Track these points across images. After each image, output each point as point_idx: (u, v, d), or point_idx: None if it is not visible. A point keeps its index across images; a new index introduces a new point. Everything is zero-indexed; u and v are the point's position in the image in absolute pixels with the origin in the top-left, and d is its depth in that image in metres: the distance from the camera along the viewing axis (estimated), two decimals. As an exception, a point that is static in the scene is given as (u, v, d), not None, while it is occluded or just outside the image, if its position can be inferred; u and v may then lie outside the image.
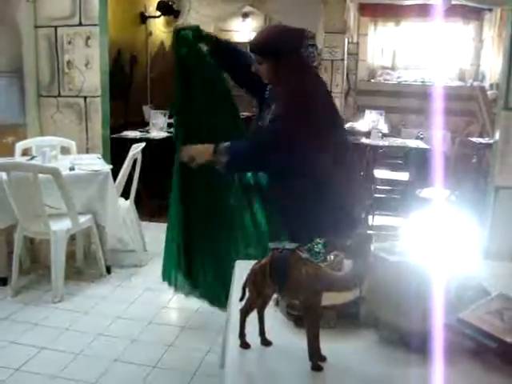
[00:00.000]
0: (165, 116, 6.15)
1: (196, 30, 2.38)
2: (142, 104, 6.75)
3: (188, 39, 2.34)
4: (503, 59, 4.54)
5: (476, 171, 6.02)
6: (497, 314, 1.31)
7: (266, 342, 1.33)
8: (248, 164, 2.29)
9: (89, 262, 4.13)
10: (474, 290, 1.53)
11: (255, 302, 1.28)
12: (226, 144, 2.18)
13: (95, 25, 4.77)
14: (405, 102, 8.92)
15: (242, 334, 1.32)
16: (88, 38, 4.81)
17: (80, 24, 4.80)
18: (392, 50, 10.40)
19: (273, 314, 1.44)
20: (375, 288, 1.39)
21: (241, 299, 1.32)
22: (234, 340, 1.34)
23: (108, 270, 4.04)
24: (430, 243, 2.07)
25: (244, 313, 1.30)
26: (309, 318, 1.18)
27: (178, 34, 2.36)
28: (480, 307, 1.35)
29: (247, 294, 1.29)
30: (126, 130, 5.96)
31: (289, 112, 2.17)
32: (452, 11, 8.67)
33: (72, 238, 4.05)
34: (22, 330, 3.21)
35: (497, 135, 4.62)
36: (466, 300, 1.46)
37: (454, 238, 4.91)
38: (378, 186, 5.79)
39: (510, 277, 4.37)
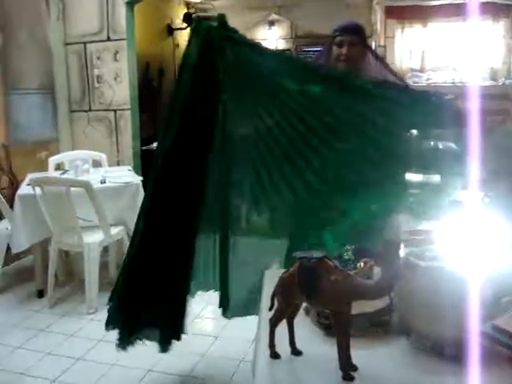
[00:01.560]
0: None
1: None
2: (170, 115, 6.82)
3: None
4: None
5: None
6: (534, 321, 1.27)
7: (296, 352, 1.32)
8: None
9: (122, 273, 4.16)
10: (511, 295, 1.50)
11: (284, 312, 1.27)
12: None
13: (123, 39, 4.87)
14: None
15: (271, 344, 1.31)
16: (116, 52, 4.91)
17: (108, 39, 4.90)
18: (420, 51, 10.27)
19: (303, 322, 1.43)
20: (407, 295, 1.36)
21: (270, 309, 1.31)
22: (263, 350, 1.34)
23: (141, 281, 4.06)
24: (464, 247, 2.04)
25: (273, 323, 1.29)
26: (339, 327, 1.17)
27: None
28: (516, 313, 1.31)
29: (276, 304, 1.28)
30: (156, 141, 6.01)
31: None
32: (481, 9, 8.51)
33: (105, 250, 4.11)
34: (58, 342, 3.26)
35: (531, 134, 4.53)
36: (503, 306, 1.42)
37: (490, 242, 4.82)
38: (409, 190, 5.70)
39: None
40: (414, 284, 1.40)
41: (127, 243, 3.90)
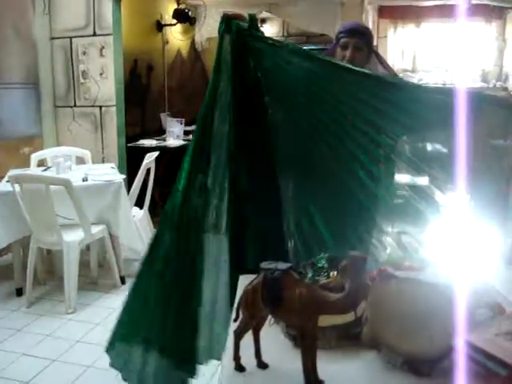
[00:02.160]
0: (181, 124, 6.14)
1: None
2: (159, 112, 6.74)
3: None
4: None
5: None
6: (508, 336, 1.22)
7: (262, 365, 1.26)
8: None
9: (104, 272, 4.11)
10: (488, 307, 1.45)
11: (249, 324, 1.22)
12: None
13: (109, 34, 4.80)
14: (426, 105, 8.74)
15: (236, 357, 1.26)
16: (102, 47, 4.84)
17: (94, 34, 4.83)
18: (412, 52, 10.25)
19: (271, 333, 1.38)
20: (379, 307, 1.32)
21: (235, 320, 1.26)
22: (229, 363, 1.29)
23: (122, 281, 4.02)
24: (449, 255, 1.99)
25: (238, 335, 1.24)
26: (304, 342, 1.12)
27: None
28: (491, 328, 1.27)
29: (240, 315, 1.23)
30: (143, 138, 5.96)
31: None
32: (473, 11, 8.48)
33: (87, 248, 4.05)
34: (35, 342, 3.20)
35: (518, 138, 4.51)
36: (479, 319, 1.38)
37: (474, 246, 4.79)
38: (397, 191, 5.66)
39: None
40: (387, 296, 1.35)
41: (109, 242, 3.86)
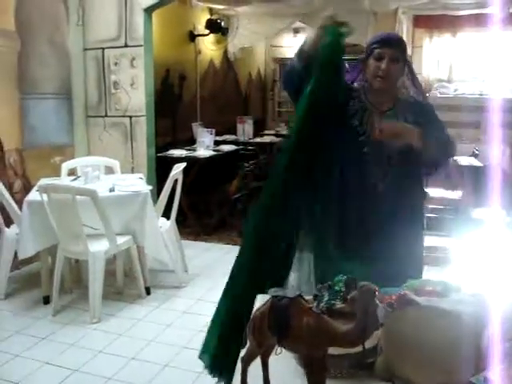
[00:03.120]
0: (211, 134, 6.14)
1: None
2: (191, 122, 6.77)
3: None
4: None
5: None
6: (533, 373, 1.15)
7: (271, 394, 1.22)
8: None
9: (129, 282, 4.11)
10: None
11: (256, 352, 1.17)
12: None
13: (140, 46, 4.84)
14: (462, 116, 8.56)
15: (243, 383, 1.22)
16: (133, 58, 4.89)
17: (125, 45, 4.88)
18: (448, 62, 10.06)
19: (282, 358, 1.33)
20: (393, 336, 1.25)
21: (243, 346, 1.22)
22: (237, 389, 1.24)
23: (147, 291, 4.01)
24: (481, 272, 1.89)
25: (245, 361, 1.20)
26: (310, 373, 1.07)
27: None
28: (513, 363, 1.19)
29: (248, 342, 1.19)
30: (174, 148, 5.98)
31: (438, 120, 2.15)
32: (510, 19, 8.29)
33: (114, 258, 4.06)
34: (58, 351, 3.21)
35: (557, 152, 4.34)
36: (507, 352, 1.30)
37: (508, 263, 4.62)
38: (429, 205, 5.54)
39: None
40: (404, 324, 1.29)
41: (135, 253, 3.87)
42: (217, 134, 6.67)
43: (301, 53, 2.04)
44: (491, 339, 1.33)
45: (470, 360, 1.22)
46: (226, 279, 4.41)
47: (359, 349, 1.24)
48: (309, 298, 1.26)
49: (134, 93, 4.96)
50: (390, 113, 2.09)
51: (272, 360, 1.23)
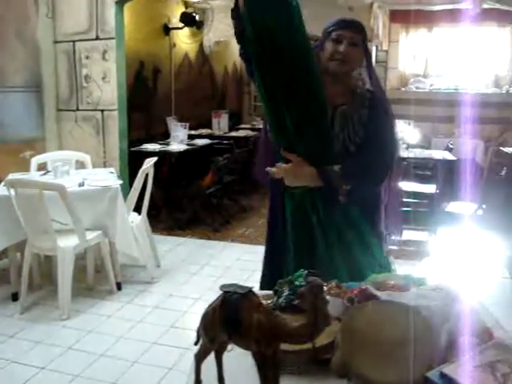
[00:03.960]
0: (185, 128, 6.08)
1: None
2: (165, 116, 6.70)
3: None
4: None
5: (507, 183, 5.72)
6: (488, 369, 1.14)
7: (225, 391, 1.19)
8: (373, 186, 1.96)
9: (100, 277, 4.06)
10: (475, 333, 1.35)
11: (209, 348, 1.15)
12: (337, 167, 1.83)
13: (112, 38, 4.76)
14: (437, 111, 8.64)
15: (197, 382, 1.19)
16: (105, 51, 4.81)
17: (97, 38, 4.80)
18: (424, 56, 10.12)
19: (238, 354, 1.30)
20: (350, 331, 1.24)
21: (195, 343, 1.19)
22: (191, 387, 1.22)
23: (118, 287, 3.96)
24: (453, 265, 1.86)
25: (198, 358, 1.17)
26: (262, 370, 1.04)
27: None
28: (470, 358, 1.18)
29: (201, 338, 1.16)
30: (149, 142, 5.92)
31: (391, 117, 1.99)
32: (486, 15, 8.35)
33: (85, 253, 4.00)
34: (25, 349, 3.15)
35: (527, 146, 4.38)
36: (463, 347, 1.29)
37: (479, 256, 4.68)
38: (404, 199, 5.57)
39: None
40: (361, 319, 1.28)
41: (105, 248, 3.81)
42: (192, 128, 6.62)
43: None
44: (450, 334, 1.33)
45: (427, 355, 1.21)
46: (198, 274, 4.40)
47: (316, 344, 1.23)
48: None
49: (106, 86, 4.88)
50: (343, 108, 1.94)
51: (227, 356, 1.21)
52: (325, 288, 1.48)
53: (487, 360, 1.17)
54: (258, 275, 4.14)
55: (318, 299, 0.98)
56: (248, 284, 1.54)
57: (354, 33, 1.90)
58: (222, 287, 1.09)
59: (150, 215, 4.50)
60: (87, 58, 4.88)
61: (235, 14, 1.81)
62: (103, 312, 3.63)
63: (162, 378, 2.83)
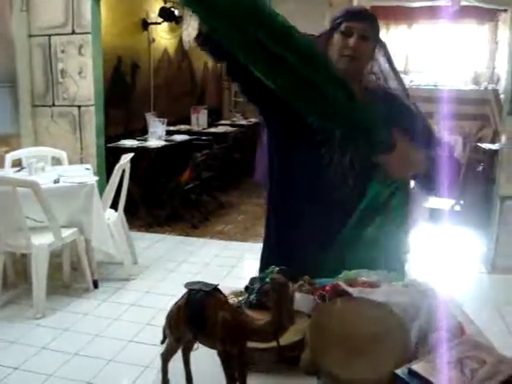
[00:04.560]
0: (163, 124, 6.03)
1: None
2: (144, 112, 6.64)
3: None
4: (507, 62, 4.35)
5: (484, 179, 5.77)
6: (457, 365, 1.13)
7: (193, 391, 1.17)
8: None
9: (77, 275, 4.00)
10: (447, 329, 1.34)
11: (175, 347, 1.12)
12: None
13: (88, 33, 4.69)
14: (417, 107, 8.65)
15: (164, 381, 1.16)
16: (81, 46, 4.74)
17: (73, 32, 4.73)
18: (405, 53, 10.17)
19: (206, 353, 1.28)
20: (319, 328, 1.22)
21: (162, 342, 1.16)
22: (158, 386, 1.19)
23: (95, 285, 3.91)
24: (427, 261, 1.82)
25: (165, 358, 1.15)
26: (228, 369, 1.02)
27: None
28: (440, 355, 1.17)
29: (167, 337, 1.14)
30: (126, 138, 5.86)
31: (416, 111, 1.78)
32: (465, 12, 8.41)
33: (61, 251, 3.95)
34: (-1, 349, 3.11)
35: (502, 141, 4.41)
36: (433, 343, 1.28)
37: (457, 251, 4.71)
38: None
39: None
40: (330, 316, 1.26)
41: (81, 245, 3.77)
42: (171, 124, 6.57)
43: None
44: (421, 330, 1.32)
45: (397, 352, 1.20)
46: (176, 271, 4.38)
47: (285, 342, 1.21)
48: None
49: (83, 81, 4.81)
50: None
51: (194, 355, 1.19)
52: (297, 285, 1.47)
53: (457, 356, 1.16)
54: (236, 271, 4.19)
55: (281, 297, 0.96)
56: (227, 280, 1.52)
57: (366, 24, 1.68)
58: (187, 285, 1.07)
59: (128, 212, 4.46)
60: (63, 52, 4.80)
61: (200, 41, 1.67)
62: (79, 310, 3.59)
63: (138, 377, 2.81)
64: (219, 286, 1.14)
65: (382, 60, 1.78)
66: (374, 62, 1.77)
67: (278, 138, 1.82)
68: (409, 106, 1.78)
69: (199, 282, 1.06)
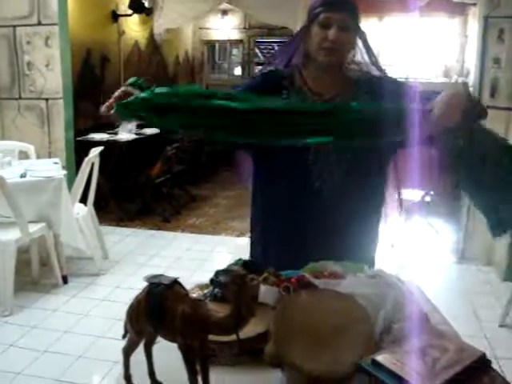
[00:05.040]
0: (134, 117, 5.95)
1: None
2: (115, 105, 6.54)
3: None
4: (475, 56, 4.40)
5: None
6: (420, 354, 1.13)
7: (156, 385, 1.15)
8: None
9: (45, 271, 3.94)
10: (411, 319, 1.35)
11: (137, 341, 1.11)
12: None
13: (55, 24, 4.59)
14: (388, 100, 8.73)
15: (126, 375, 1.15)
16: (48, 37, 4.63)
17: (39, 23, 4.62)
18: (376, 46, 10.16)
19: (169, 347, 1.26)
20: (283, 320, 1.22)
21: (123, 336, 1.15)
22: (119, 382, 1.17)
23: (65, 280, 3.86)
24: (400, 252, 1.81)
25: (126, 352, 1.13)
26: (189, 362, 1.01)
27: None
28: (403, 344, 1.17)
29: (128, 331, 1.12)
30: (97, 131, 5.77)
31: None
32: (436, 6, 8.49)
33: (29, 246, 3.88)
34: (-36, 348, 3.04)
35: (470, 134, 4.47)
36: (394, 335, 1.28)
37: (427, 242, 4.77)
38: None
39: (482, 281, 4.22)
40: (294, 308, 1.26)
41: (50, 240, 3.70)
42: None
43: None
44: (386, 320, 1.33)
45: (361, 343, 1.20)
46: (146, 265, 4.34)
47: (249, 334, 1.20)
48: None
49: (50, 74, 4.70)
50: (336, 99, 1.68)
51: (158, 348, 1.17)
52: (262, 277, 1.46)
53: (420, 345, 1.16)
54: (207, 265, 4.17)
55: (241, 289, 0.95)
56: (199, 274, 1.50)
57: (346, 14, 1.60)
58: (147, 278, 1.05)
59: (98, 206, 4.40)
60: (29, 43, 4.68)
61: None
62: (48, 306, 3.54)
63: (108, 372, 2.78)
64: (180, 279, 1.13)
65: (362, 49, 1.74)
66: (355, 51, 1.72)
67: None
68: (396, 80, 1.77)
69: (160, 276, 1.05)
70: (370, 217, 1.80)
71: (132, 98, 1.52)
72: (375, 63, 1.77)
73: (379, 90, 1.62)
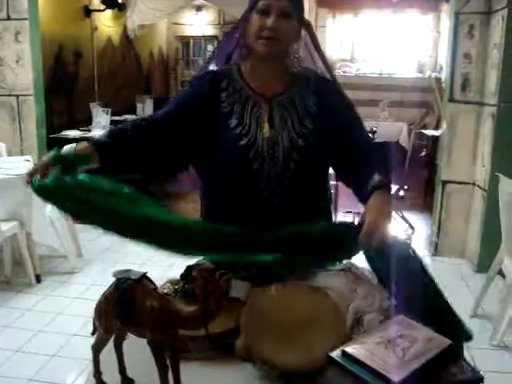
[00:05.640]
0: (107, 114, 5.89)
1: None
2: (89, 102, 6.47)
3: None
4: (447, 51, 4.45)
5: (427, 164, 5.93)
6: (390, 345, 1.14)
7: (127, 382, 1.14)
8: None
9: (18, 270, 3.87)
10: (380, 310, 1.35)
11: (106, 338, 1.09)
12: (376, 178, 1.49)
13: (25, 19, 4.51)
14: (363, 95, 8.80)
15: (96, 373, 1.14)
16: (18, 32, 4.56)
17: (8, 18, 4.54)
18: (351, 42, 10.28)
19: (140, 343, 1.25)
20: (253, 314, 1.22)
21: (92, 333, 1.13)
22: (89, 379, 1.16)
23: (38, 279, 3.80)
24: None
25: (95, 349, 1.12)
26: (157, 359, 1.00)
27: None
28: (374, 335, 1.18)
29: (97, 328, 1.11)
30: (70, 129, 5.71)
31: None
32: (410, 2, 8.58)
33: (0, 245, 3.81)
34: None
35: (443, 127, 4.53)
36: (368, 325, 1.29)
37: (401, 235, 4.81)
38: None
39: (455, 273, 4.27)
40: (264, 302, 1.26)
41: (22, 239, 3.65)
42: (117, 114, 6.42)
43: None
44: (356, 313, 1.33)
45: (332, 336, 1.20)
46: (121, 262, 4.28)
47: (220, 329, 1.20)
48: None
49: (21, 70, 4.63)
50: (280, 98, 1.55)
51: (128, 344, 1.16)
52: (233, 272, 1.45)
53: (389, 336, 1.17)
54: (182, 261, 4.12)
55: (208, 284, 0.95)
56: (174, 270, 1.47)
57: (287, 1, 1.47)
58: (115, 274, 1.04)
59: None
60: (-2, 38, 4.61)
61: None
62: (21, 306, 3.48)
63: (82, 372, 2.74)
64: (153, 276, 1.12)
65: (308, 41, 1.64)
66: (298, 44, 1.60)
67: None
68: (343, 94, 1.66)
69: (128, 271, 1.04)
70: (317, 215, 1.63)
71: (49, 178, 1.31)
72: (323, 60, 1.69)
73: (327, 95, 1.58)
